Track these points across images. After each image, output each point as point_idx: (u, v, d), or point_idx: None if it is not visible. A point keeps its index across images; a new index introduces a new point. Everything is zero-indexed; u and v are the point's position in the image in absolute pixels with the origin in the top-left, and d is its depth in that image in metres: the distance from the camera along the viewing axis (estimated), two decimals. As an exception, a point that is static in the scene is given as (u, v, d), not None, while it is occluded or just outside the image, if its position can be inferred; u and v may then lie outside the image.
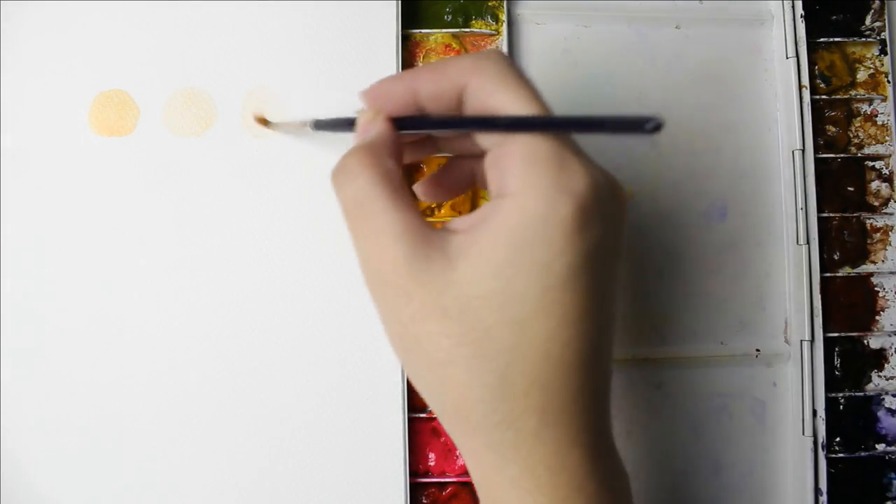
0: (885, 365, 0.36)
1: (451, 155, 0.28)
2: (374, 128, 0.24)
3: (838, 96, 0.36)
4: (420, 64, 0.34)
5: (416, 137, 0.27)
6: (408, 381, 0.32)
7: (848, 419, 0.35)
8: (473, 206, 0.34)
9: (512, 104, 0.21)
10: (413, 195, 0.24)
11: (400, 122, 0.24)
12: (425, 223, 0.22)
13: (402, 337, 0.22)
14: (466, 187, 0.28)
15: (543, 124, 0.21)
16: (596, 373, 0.21)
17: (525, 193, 0.20)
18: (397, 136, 0.24)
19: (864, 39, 0.36)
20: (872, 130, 0.36)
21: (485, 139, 0.22)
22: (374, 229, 0.21)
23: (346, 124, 0.26)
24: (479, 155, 0.25)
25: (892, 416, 0.35)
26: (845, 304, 0.35)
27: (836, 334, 0.35)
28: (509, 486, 0.21)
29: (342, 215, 0.23)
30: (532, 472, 0.21)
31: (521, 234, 0.20)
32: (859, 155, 0.36)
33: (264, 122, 0.32)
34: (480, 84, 0.22)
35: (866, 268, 0.36)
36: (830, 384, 0.35)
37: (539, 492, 0.21)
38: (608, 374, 0.23)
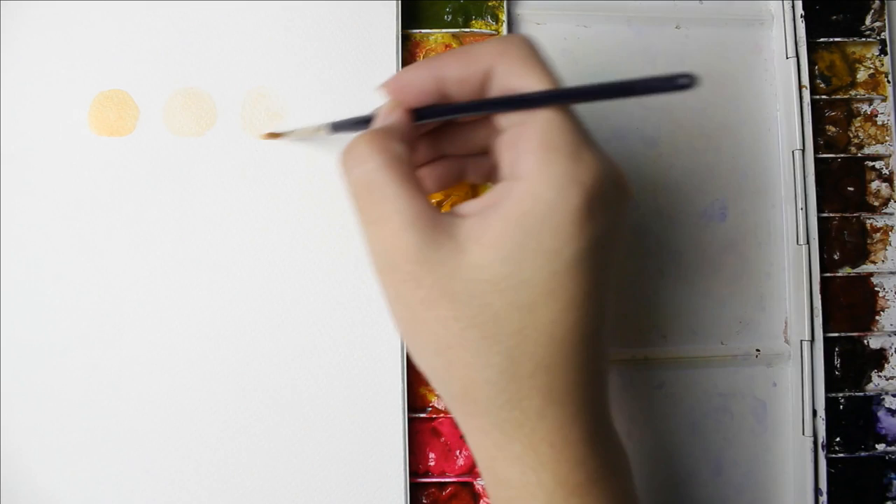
0: (885, 365, 0.36)
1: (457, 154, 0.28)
2: (391, 117, 0.24)
3: (838, 96, 0.36)
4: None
5: (432, 125, 0.27)
6: (408, 382, 0.32)
7: (848, 419, 0.35)
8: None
9: (537, 85, 0.22)
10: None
11: (420, 112, 0.24)
12: (434, 208, 0.22)
13: (410, 321, 0.22)
14: (452, 182, 0.28)
15: (573, 95, 0.21)
16: (596, 354, 0.22)
17: (537, 179, 0.20)
18: (411, 123, 0.24)
19: (864, 39, 0.36)
20: (872, 130, 0.36)
21: (504, 120, 0.23)
22: (382, 214, 0.21)
23: (364, 122, 0.26)
24: (481, 152, 0.25)
25: (892, 416, 0.35)
26: (845, 304, 0.35)
27: (836, 334, 0.35)
28: (513, 463, 0.22)
29: (350, 198, 0.23)
30: (535, 449, 0.21)
31: (531, 221, 0.20)
32: (859, 155, 0.36)
33: (275, 135, 0.32)
34: (506, 66, 0.22)
35: (866, 268, 0.36)
36: (830, 384, 0.35)
37: (542, 468, 0.21)
38: (606, 357, 0.23)
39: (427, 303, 0.21)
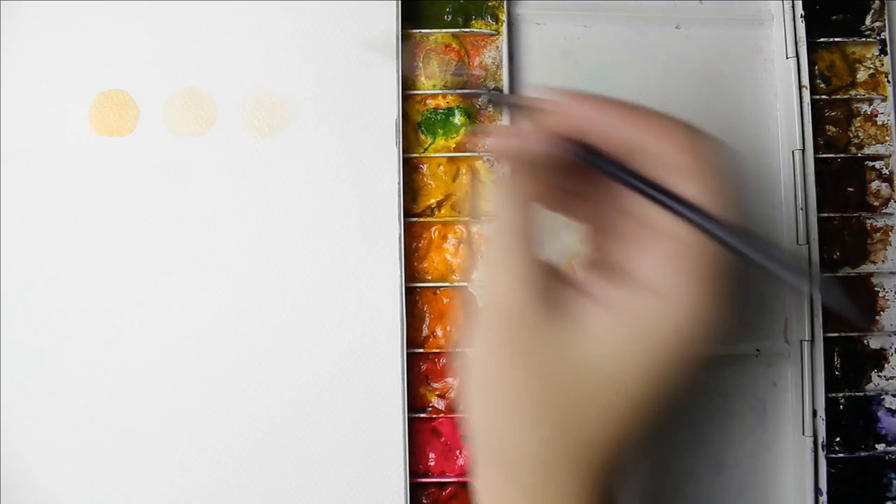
0: (885, 365, 0.36)
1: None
2: (562, 145, 0.22)
3: (838, 96, 0.36)
4: (420, 64, 0.34)
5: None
6: (408, 382, 0.32)
7: (848, 419, 0.35)
8: (473, 205, 0.34)
9: (692, 194, 0.21)
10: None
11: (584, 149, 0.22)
12: (561, 275, 0.23)
13: (527, 371, 0.22)
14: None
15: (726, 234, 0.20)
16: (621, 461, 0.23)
17: (671, 298, 0.21)
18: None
19: (864, 39, 0.36)
20: (872, 130, 0.36)
21: (640, 208, 0.22)
22: (516, 264, 0.22)
23: (525, 103, 0.25)
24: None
25: (892, 416, 0.35)
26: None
27: (836, 334, 0.35)
28: None
29: (492, 232, 0.23)
30: None
31: (641, 323, 0.21)
32: (859, 155, 0.36)
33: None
34: (668, 156, 0.21)
35: (866, 268, 0.36)
36: (830, 384, 0.35)
37: None
38: None
39: (544, 354, 0.21)
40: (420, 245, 0.34)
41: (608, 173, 0.22)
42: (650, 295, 0.21)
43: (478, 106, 0.29)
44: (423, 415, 0.33)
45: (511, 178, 0.23)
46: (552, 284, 0.22)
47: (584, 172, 0.24)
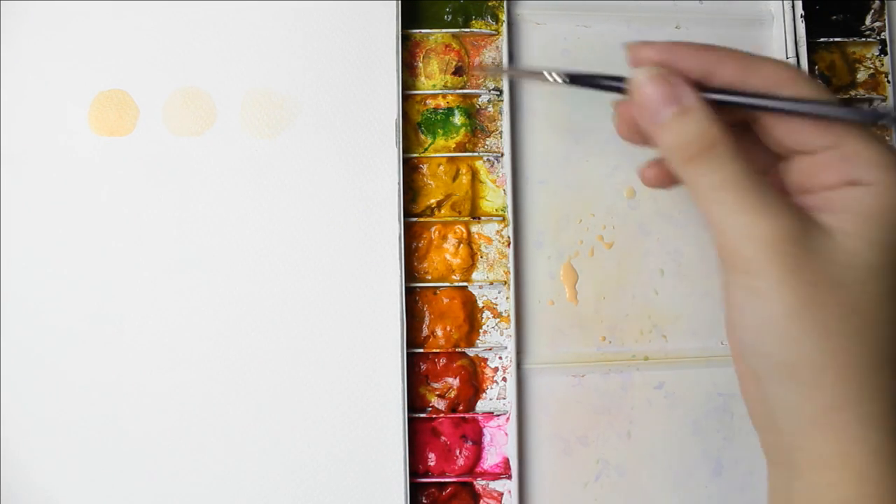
0: (886, 365, 0.35)
1: None
2: (691, 99, 0.24)
3: (838, 96, 0.36)
4: (420, 64, 0.34)
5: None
6: (408, 382, 0.32)
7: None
8: (473, 205, 0.34)
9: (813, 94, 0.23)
10: None
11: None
12: (792, 201, 0.23)
13: (790, 306, 0.22)
14: (668, 184, 0.28)
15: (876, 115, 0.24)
16: None
17: (887, 184, 0.22)
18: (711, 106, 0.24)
19: (864, 39, 0.36)
20: (872, 130, 0.36)
21: (813, 141, 0.23)
22: (754, 204, 0.22)
23: (611, 85, 0.26)
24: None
25: (893, 416, 0.35)
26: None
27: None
28: (872, 457, 0.22)
29: (705, 193, 0.23)
30: (893, 442, 0.22)
31: (890, 217, 0.22)
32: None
33: (484, 68, 0.33)
34: (794, 90, 0.23)
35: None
36: (831, 384, 0.34)
37: None
38: None
39: (812, 285, 0.22)
40: (420, 245, 0.34)
41: (751, 106, 0.24)
42: (880, 188, 0.22)
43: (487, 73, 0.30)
44: (423, 415, 0.33)
45: (699, 136, 0.23)
46: (796, 208, 0.23)
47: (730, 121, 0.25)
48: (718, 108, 0.24)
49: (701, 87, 0.24)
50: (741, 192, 0.22)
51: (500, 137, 0.34)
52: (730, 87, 0.24)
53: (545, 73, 0.28)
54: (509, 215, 0.34)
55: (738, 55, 0.24)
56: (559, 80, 0.28)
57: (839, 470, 0.22)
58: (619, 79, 0.25)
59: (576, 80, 0.28)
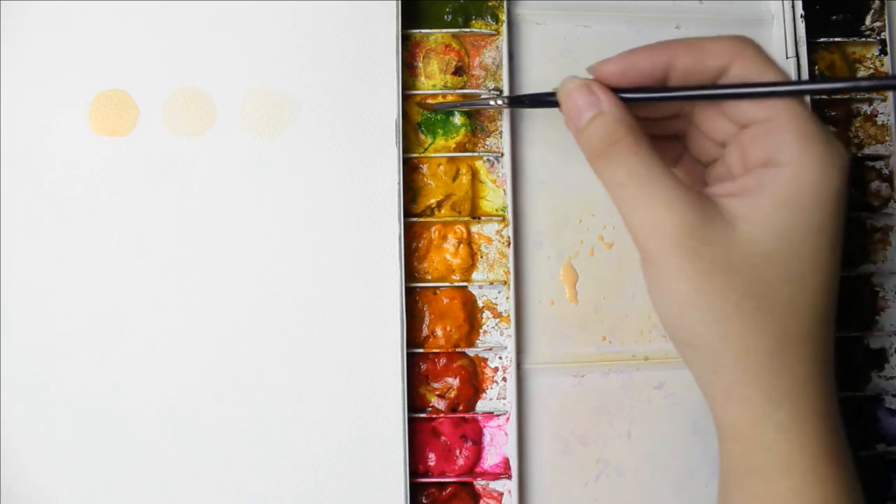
0: (885, 365, 0.36)
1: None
2: (609, 103, 0.25)
3: (838, 96, 0.36)
4: (420, 64, 0.34)
5: (663, 114, 0.28)
6: (408, 382, 0.32)
7: (848, 419, 0.35)
8: (473, 205, 0.34)
9: (778, 79, 0.24)
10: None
11: (621, 92, 0.25)
12: (698, 191, 0.24)
13: (688, 293, 0.23)
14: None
15: (811, 86, 0.24)
16: (833, 326, 0.25)
17: (803, 165, 0.23)
18: (628, 111, 0.25)
19: (864, 39, 0.36)
20: (872, 130, 0.36)
21: (746, 115, 0.24)
22: (654, 196, 0.23)
23: (545, 101, 0.27)
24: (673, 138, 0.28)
25: (892, 416, 0.35)
26: (845, 304, 0.35)
27: (835, 334, 0.35)
28: (778, 430, 0.24)
29: (610, 187, 0.25)
30: (801, 416, 0.24)
31: (799, 201, 0.23)
32: (859, 155, 0.36)
33: (428, 106, 0.33)
34: (745, 67, 0.24)
35: (866, 268, 0.36)
36: (830, 384, 0.35)
37: (806, 435, 0.24)
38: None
39: (706, 274, 0.23)
40: (420, 245, 0.34)
41: (689, 98, 0.26)
42: (791, 169, 0.23)
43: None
44: (423, 415, 0.33)
45: (607, 127, 0.25)
46: (701, 198, 0.24)
47: (659, 114, 0.27)
48: (659, 105, 0.26)
49: (662, 84, 0.25)
50: (643, 188, 0.24)
51: (500, 137, 0.34)
52: (690, 76, 0.25)
53: (490, 102, 0.31)
54: (509, 215, 0.34)
55: (690, 43, 0.25)
56: (502, 103, 0.31)
57: (750, 440, 0.24)
58: (552, 94, 0.27)
59: (514, 101, 0.30)
